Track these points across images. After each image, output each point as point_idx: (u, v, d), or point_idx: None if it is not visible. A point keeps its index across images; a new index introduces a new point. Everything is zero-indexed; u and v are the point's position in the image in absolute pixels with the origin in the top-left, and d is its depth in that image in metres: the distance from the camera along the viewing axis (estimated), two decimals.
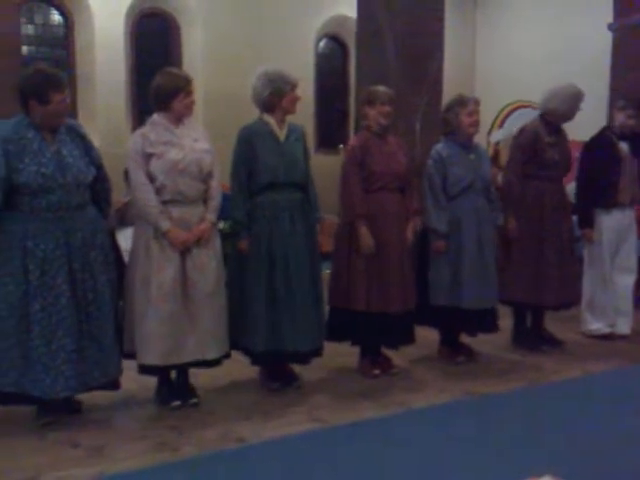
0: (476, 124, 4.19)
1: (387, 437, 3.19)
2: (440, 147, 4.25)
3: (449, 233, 4.13)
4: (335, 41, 10.64)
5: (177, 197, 3.34)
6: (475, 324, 4.27)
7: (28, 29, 8.66)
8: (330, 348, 3.95)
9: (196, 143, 3.42)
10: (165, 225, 3.29)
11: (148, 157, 3.31)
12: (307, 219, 3.73)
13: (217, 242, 3.51)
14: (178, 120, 3.41)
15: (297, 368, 3.86)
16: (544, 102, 4.55)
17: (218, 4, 9.17)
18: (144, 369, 3.41)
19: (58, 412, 3.23)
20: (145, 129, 3.40)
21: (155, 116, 3.42)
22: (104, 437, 3.10)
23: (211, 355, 3.45)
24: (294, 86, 3.67)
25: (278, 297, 3.59)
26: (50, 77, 3.09)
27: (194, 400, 3.50)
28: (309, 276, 3.67)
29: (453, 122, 4.18)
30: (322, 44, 10.45)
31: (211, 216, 3.44)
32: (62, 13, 8.92)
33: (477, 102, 4.21)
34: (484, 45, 10.83)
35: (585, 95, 4.56)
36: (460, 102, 4.18)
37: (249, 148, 3.61)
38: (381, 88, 4.01)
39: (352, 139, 4.24)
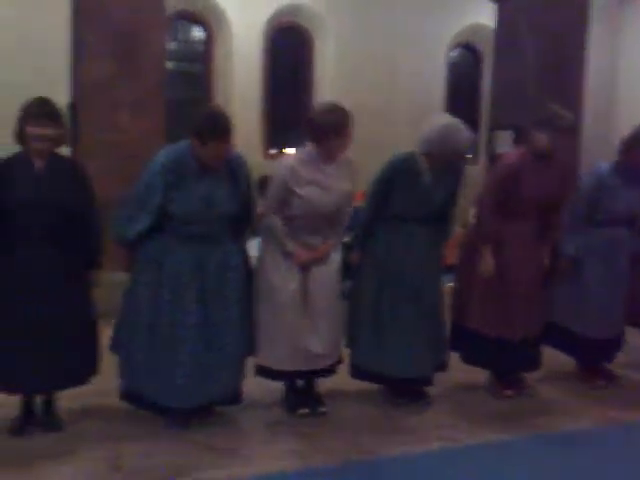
0: None
1: (522, 461, 3.07)
2: (604, 170, 3.98)
3: (581, 258, 3.93)
4: (468, 49, 10.47)
5: (309, 228, 3.42)
6: (597, 353, 4.07)
7: (171, 45, 9.19)
8: (456, 360, 3.90)
9: (340, 184, 3.41)
10: (290, 246, 3.38)
11: (291, 192, 3.34)
12: (432, 240, 3.69)
13: (337, 258, 3.54)
14: (329, 158, 3.39)
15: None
16: None
17: (351, 17, 9.26)
18: (262, 371, 3.51)
19: (192, 414, 3.35)
20: (296, 161, 3.37)
21: (308, 147, 3.40)
22: (237, 440, 3.21)
23: (327, 362, 3.52)
24: (462, 156, 3.62)
25: (383, 318, 3.59)
26: (213, 122, 3.11)
27: (322, 409, 3.54)
28: (426, 298, 3.62)
29: (631, 154, 3.89)
30: (454, 53, 10.32)
31: (334, 240, 3.50)
32: (203, 29, 9.38)
33: None
34: (628, 51, 10.20)
35: None
36: None
37: (389, 184, 3.59)
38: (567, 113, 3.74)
39: (509, 155, 3.94)
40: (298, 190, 3.34)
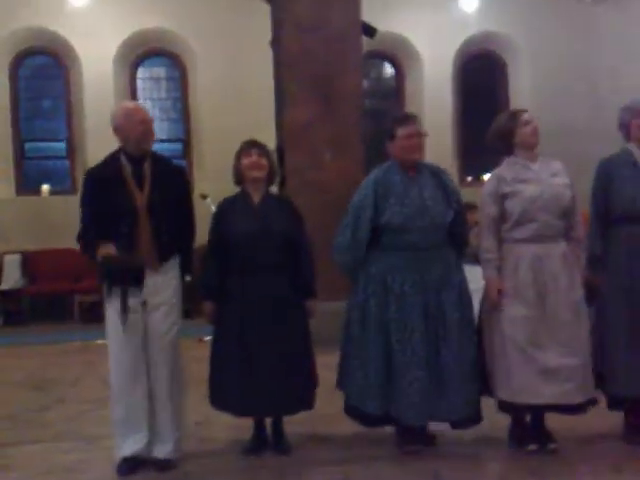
0: None
1: None
2: None
3: None
4: None
5: (534, 233, 3.25)
6: None
7: (364, 83, 9.48)
8: None
9: (555, 178, 3.32)
10: (487, 273, 3.28)
11: (504, 197, 3.27)
12: None
13: (577, 280, 3.31)
14: (531, 152, 3.33)
15: None
16: None
17: (545, 37, 8.95)
18: (501, 405, 3.37)
19: (418, 442, 3.33)
20: (501, 169, 3.37)
21: (506, 159, 3.37)
22: (464, 472, 3.11)
23: (575, 399, 3.22)
24: None
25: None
26: (397, 115, 3.55)
27: (552, 446, 3.30)
28: None
29: None
30: None
31: (573, 246, 3.31)
32: (393, 65, 9.58)
33: None
34: None
35: None
36: None
37: (607, 180, 3.43)
38: None
39: None
40: (509, 189, 3.26)
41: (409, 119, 3.41)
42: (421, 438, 3.37)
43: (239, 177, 3.44)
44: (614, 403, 3.46)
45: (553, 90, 8.77)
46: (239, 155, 3.42)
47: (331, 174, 6.30)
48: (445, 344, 3.25)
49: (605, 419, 3.52)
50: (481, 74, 9.58)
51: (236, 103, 8.31)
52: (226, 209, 3.43)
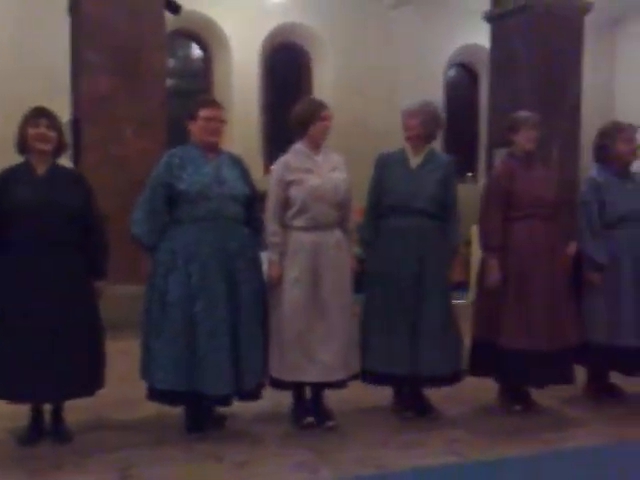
0: (634, 152, 4.00)
1: (531, 477, 3.05)
2: (595, 174, 4.04)
3: (605, 264, 3.90)
4: (464, 68, 10.61)
5: (312, 223, 3.45)
6: (632, 363, 3.95)
7: (170, 62, 9.23)
8: (472, 381, 3.86)
9: (334, 172, 3.54)
10: (270, 257, 3.46)
11: (288, 184, 3.45)
12: (437, 246, 3.65)
13: (349, 262, 3.57)
14: (316, 146, 3.53)
15: (435, 399, 3.79)
16: None
17: (349, 36, 9.36)
18: (272, 382, 3.51)
19: (205, 427, 3.37)
20: (287, 157, 3.55)
21: (297, 144, 3.57)
22: (246, 452, 3.18)
23: (338, 376, 3.47)
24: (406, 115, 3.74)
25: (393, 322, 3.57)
26: (199, 98, 3.58)
27: (330, 423, 3.50)
28: (436, 304, 3.59)
29: (609, 149, 3.98)
30: (451, 72, 10.47)
31: (345, 239, 3.56)
32: (202, 47, 9.44)
33: (634, 129, 4.03)
34: (624, 66, 10.37)
35: None
36: (617, 129, 4.00)
37: (381, 172, 3.72)
38: (525, 113, 3.93)
39: (497, 166, 4.18)
40: (293, 177, 3.45)
41: (213, 103, 3.48)
42: (211, 419, 3.43)
43: (22, 146, 3.23)
44: (371, 379, 3.71)
45: (353, 89, 9.19)
46: (25, 123, 3.20)
47: (133, 152, 6.08)
48: (243, 312, 3.30)
49: (378, 394, 3.82)
50: (288, 66, 9.78)
51: (28, 67, 7.68)
52: (6, 179, 3.19)
